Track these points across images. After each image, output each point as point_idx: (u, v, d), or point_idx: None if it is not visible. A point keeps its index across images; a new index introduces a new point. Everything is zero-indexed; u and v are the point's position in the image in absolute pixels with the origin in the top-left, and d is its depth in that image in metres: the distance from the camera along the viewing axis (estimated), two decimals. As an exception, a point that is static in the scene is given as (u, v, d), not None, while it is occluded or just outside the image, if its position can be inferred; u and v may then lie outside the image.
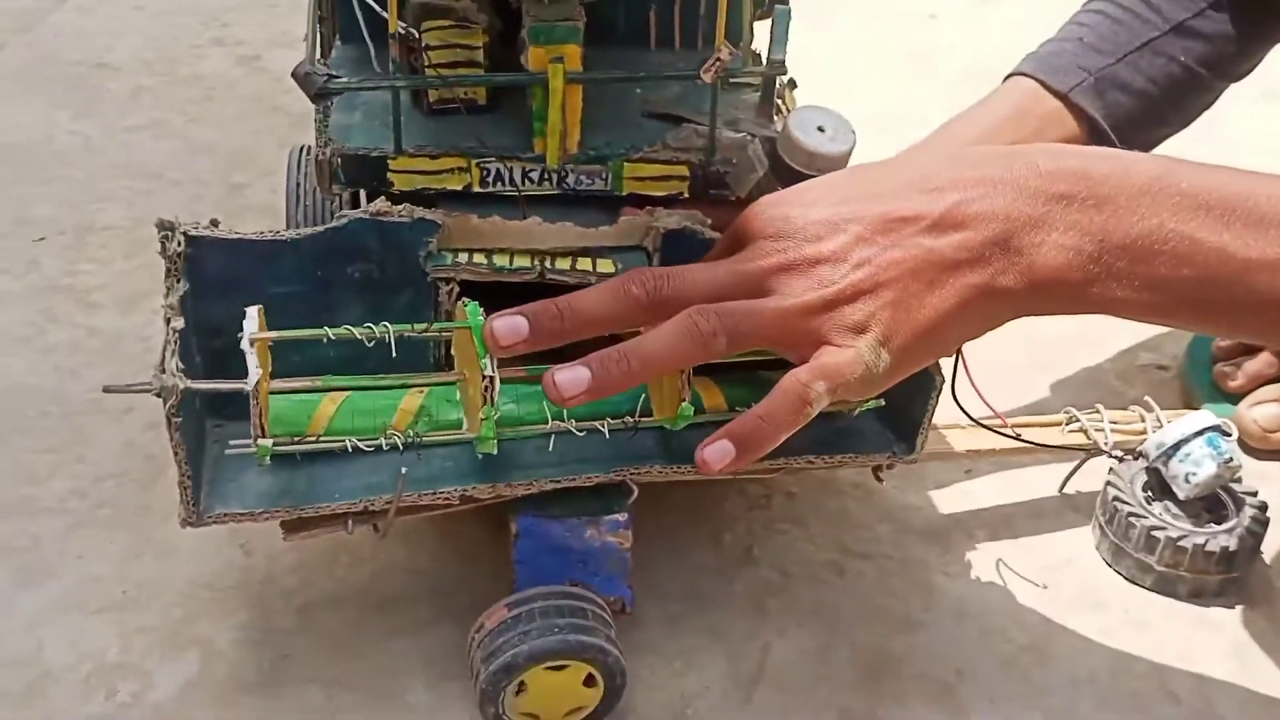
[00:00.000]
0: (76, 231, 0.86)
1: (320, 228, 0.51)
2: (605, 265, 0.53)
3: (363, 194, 0.55)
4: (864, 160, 0.52)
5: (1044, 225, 0.43)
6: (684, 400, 0.49)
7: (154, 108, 1.02)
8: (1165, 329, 0.78)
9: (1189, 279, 0.43)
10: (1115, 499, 0.63)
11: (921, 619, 0.60)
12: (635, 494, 0.53)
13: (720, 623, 0.59)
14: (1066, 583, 0.63)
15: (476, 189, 0.54)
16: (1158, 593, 0.62)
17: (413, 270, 0.52)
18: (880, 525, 0.65)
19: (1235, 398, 0.73)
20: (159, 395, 0.46)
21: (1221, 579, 0.61)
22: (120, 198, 0.90)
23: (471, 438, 0.49)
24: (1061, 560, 0.64)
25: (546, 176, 0.54)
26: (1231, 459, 0.61)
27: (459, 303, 0.50)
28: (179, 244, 0.49)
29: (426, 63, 0.53)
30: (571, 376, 0.43)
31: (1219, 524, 0.62)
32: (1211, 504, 0.63)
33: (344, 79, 0.50)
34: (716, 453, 0.44)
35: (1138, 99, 0.68)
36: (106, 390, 0.47)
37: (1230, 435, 0.62)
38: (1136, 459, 0.64)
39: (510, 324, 0.44)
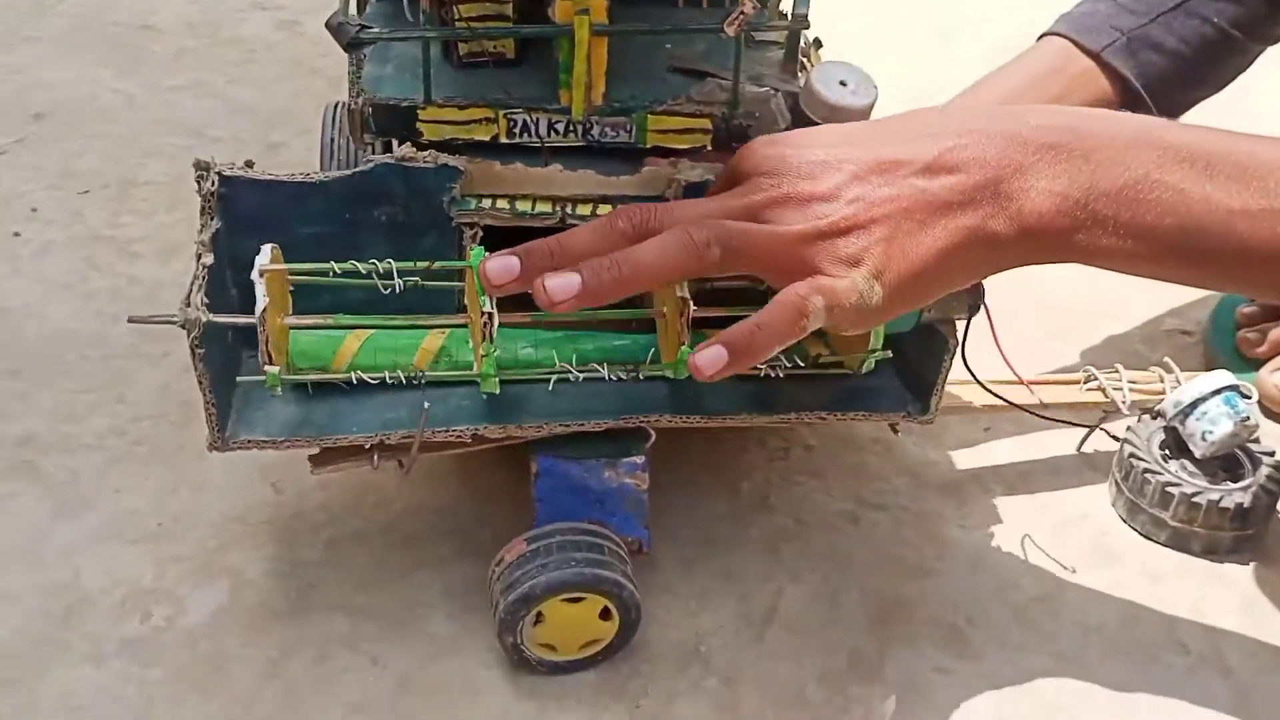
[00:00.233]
0: (119, 185, 0.88)
1: (348, 171, 0.53)
2: None
3: (394, 144, 0.56)
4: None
5: (1033, 172, 0.44)
6: (683, 344, 0.50)
7: (196, 69, 1.04)
8: (1191, 293, 0.78)
9: (1174, 227, 0.44)
10: (1131, 455, 0.63)
11: (934, 567, 0.61)
12: (653, 438, 0.54)
13: (734, 566, 0.60)
14: (1081, 537, 0.63)
15: (504, 140, 0.55)
16: (1172, 548, 0.63)
17: (437, 214, 0.54)
18: (897, 479, 0.66)
19: (1258, 363, 0.73)
20: (183, 327, 0.47)
21: (1235, 535, 0.62)
22: (162, 153, 0.92)
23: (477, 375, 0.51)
24: (1077, 515, 0.65)
25: (572, 128, 0.55)
26: (1248, 418, 0.62)
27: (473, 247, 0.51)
28: (214, 183, 0.51)
29: (456, 15, 0.54)
30: (562, 281, 0.43)
31: (1235, 482, 0.62)
32: (1228, 463, 0.63)
33: (375, 29, 0.52)
34: (708, 357, 0.44)
35: (1170, 59, 0.68)
36: (131, 321, 0.49)
37: (1249, 397, 0.63)
38: (1155, 418, 0.64)
39: (503, 263, 0.44)
